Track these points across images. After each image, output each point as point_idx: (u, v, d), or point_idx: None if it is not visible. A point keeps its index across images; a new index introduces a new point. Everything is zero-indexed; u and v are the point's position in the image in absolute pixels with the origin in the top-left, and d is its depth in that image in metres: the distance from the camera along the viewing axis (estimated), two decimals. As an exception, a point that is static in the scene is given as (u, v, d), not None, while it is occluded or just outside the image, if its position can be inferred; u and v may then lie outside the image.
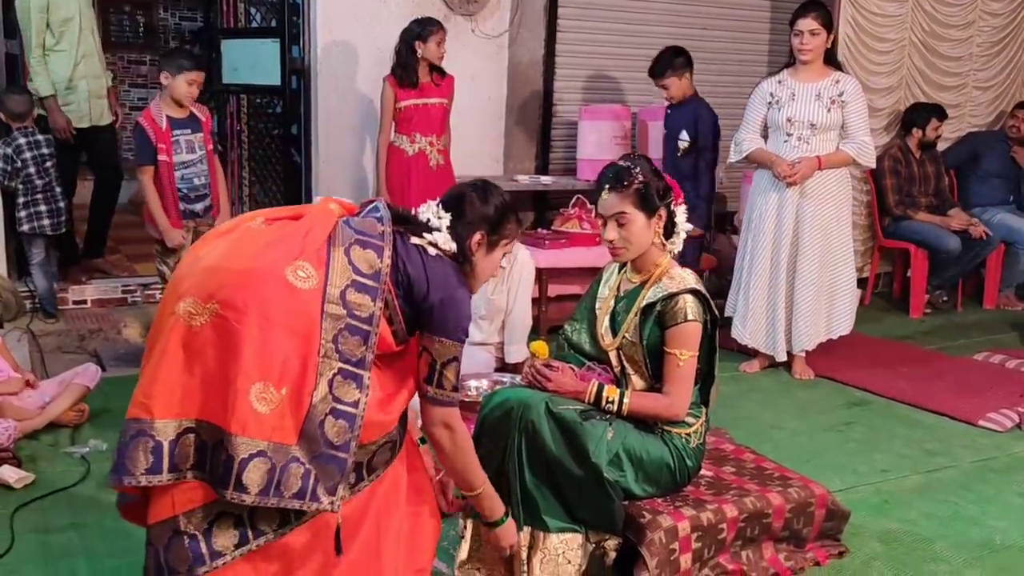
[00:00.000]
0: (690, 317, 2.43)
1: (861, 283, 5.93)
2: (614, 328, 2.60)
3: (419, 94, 4.72)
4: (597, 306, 2.68)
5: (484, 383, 3.82)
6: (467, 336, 2.10)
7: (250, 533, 1.87)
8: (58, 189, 4.64)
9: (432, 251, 2.07)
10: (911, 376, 4.46)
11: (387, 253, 1.99)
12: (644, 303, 2.50)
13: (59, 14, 4.78)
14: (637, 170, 2.48)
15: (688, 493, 2.55)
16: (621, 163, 2.54)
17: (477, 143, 5.51)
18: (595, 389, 2.48)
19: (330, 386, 1.88)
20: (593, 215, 5.09)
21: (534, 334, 4.44)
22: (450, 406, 2.09)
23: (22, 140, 4.51)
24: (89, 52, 4.95)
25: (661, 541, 2.34)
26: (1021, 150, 6.32)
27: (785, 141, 4.35)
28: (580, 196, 5.28)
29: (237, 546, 1.86)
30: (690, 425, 2.53)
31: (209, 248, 1.96)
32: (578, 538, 2.40)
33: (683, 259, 2.83)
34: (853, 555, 2.71)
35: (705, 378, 2.59)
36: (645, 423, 2.50)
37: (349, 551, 1.96)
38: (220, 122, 6.42)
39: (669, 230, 2.58)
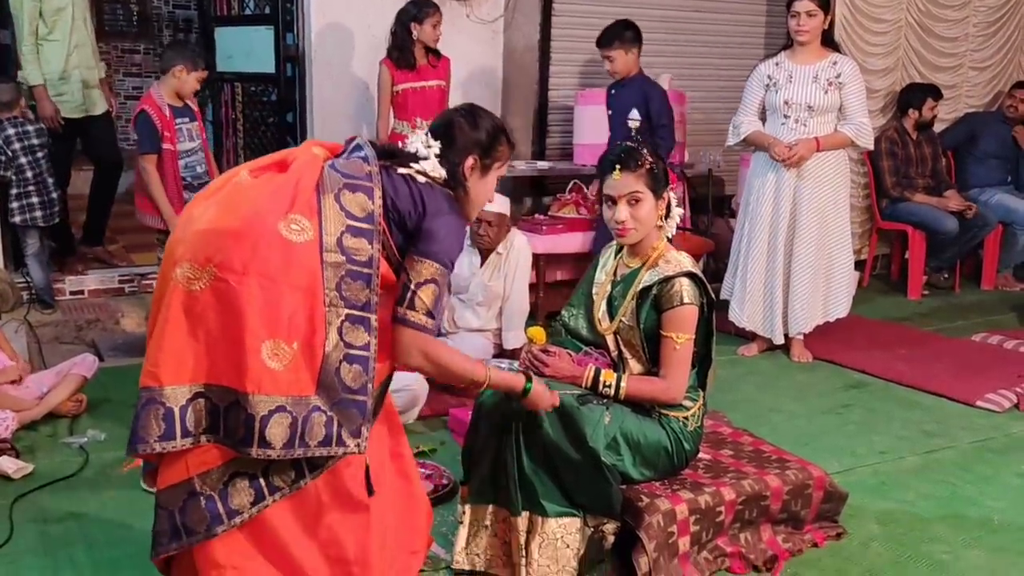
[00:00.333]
0: (686, 300, 2.43)
1: (859, 265, 5.93)
2: (611, 312, 2.59)
3: (416, 76, 4.71)
4: (594, 291, 2.68)
5: (482, 369, 3.83)
6: (453, 265, 2.05)
7: (266, 490, 1.89)
8: (50, 180, 4.61)
9: (421, 179, 2.05)
10: (909, 358, 4.46)
11: (377, 194, 1.98)
12: (641, 287, 2.50)
13: (52, 3, 4.75)
14: (644, 150, 2.49)
15: (686, 476, 2.55)
16: (629, 144, 2.54)
17: (473, 129, 5.48)
18: (592, 374, 2.48)
19: (340, 333, 1.90)
20: (594, 195, 5.11)
21: (532, 320, 4.44)
22: (422, 331, 2.01)
23: (11, 131, 4.49)
24: (82, 42, 4.93)
25: (659, 524, 2.35)
26: (1021, 129, 6.31)
27: (783, 124, 4.34)
28: (577, 181, 5.27)
29: (254, 503, 1.89)
30: (687, 408, 2.53)
31: (201, 209, 1.95)
32: (576, 522, 2.41)
33: None
34: (851, 536, 2.71)
35: (702, 361, 2.59)
36: (642, 407, 2.51)
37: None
38: (215, 111, 6.39)
39: (665, 214, 2.59)
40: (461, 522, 2.48)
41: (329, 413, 1.88)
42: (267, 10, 5.75)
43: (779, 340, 4.47)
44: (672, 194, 2.59)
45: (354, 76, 5.22)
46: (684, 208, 5.58)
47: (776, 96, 4.33)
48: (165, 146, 4.06)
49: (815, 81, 4.26)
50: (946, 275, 6.08)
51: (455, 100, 4.96)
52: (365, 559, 2.00)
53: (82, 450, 3.23)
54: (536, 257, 4.51)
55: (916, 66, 6.39)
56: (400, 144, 2.16)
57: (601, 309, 2.62)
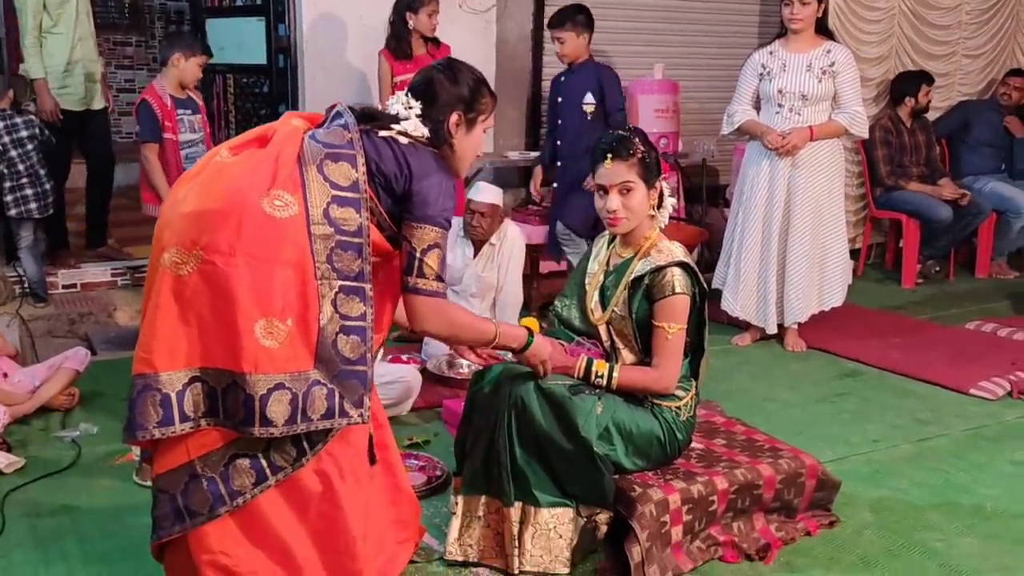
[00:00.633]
0: (678, 290, 2.42)
1: (853, 254, 5.92)
2: (604, 302, 2.59)
3: (415, 66, 4.68)
4: (587, 281, 2.68)
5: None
6: (450, 223, 2.05)
7: (268, 470, 1.90)
8: (42, 172, 4.60)
9: (403, 140, 2.04)
10: (903, 346, 4.46)
11: (360, 161, 1.97)
12: (633, 276, 2.49)
13: None
14: (637, 140, 2.48)
15: (679, 466, 2.55)
16: (621, 133, 2.53)
17: (466, 120, 5.46)
18: (584, 364, 2.47)
19: (335, 306, 1.90)
20: (590, 187, 5.07)
21: (526, 311, 4.43)
22: (434, 296, 2.03)
23: None
24: (85, 35, 4.93)
25: (652, 514, 2.34)
26: (1013, 118, 6.30)
27: (777, 112, 4.32)
28: (570, 172, 5.25)
29: (256, 484, 1.89)
30: (680, 398, 2.53)
31: (183, 192, 1.95)
32: (569, 513, 2.41)
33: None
34: (844, 524, 2.72)
35: (695, 351, 2.59)
36: (635, 397, 2.50)
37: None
38: (207, 102, 6.35)
39: (658, 204, 2.59)
40: (454, 513, 2.48)
41: (330, 386, 1.88)
42: (258, 1, 5.71)
43: (772, 330, 4.46)
44: (665, 184, 2.59)
45: (346, 67, 5.19)
46: (678, 198, 5.57)
47: (770, 85, 4.31)
48: (166, 135, 4.10)
49: (809, 70, 4.24)
50: (938, 268, 6.08)
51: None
52: (352, 549, 2.00)
53: (74, 444, 3.22)
54: (530, 248, 4.51)
55: (909, 54, 6.38)
56: (381, 106, 2.13)
57: (594, 299, 2.61)
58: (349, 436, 1.99)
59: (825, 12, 4.38)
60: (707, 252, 5.84)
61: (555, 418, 2.35)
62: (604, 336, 2.57)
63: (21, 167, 4.50)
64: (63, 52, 4.80)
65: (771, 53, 4.34)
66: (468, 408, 2.49)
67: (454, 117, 2.09)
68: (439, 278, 2.03)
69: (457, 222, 4.12)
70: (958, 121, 6.38)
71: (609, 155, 2.46)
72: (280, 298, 1.84)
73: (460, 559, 2.45)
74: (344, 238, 1.91)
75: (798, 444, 2.83)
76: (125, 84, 8.65)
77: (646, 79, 5.70)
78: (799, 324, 4.47)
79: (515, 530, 2.38)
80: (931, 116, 6.27)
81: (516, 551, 2.38)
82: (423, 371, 3.79)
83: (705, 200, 5.91)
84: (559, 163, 4.75)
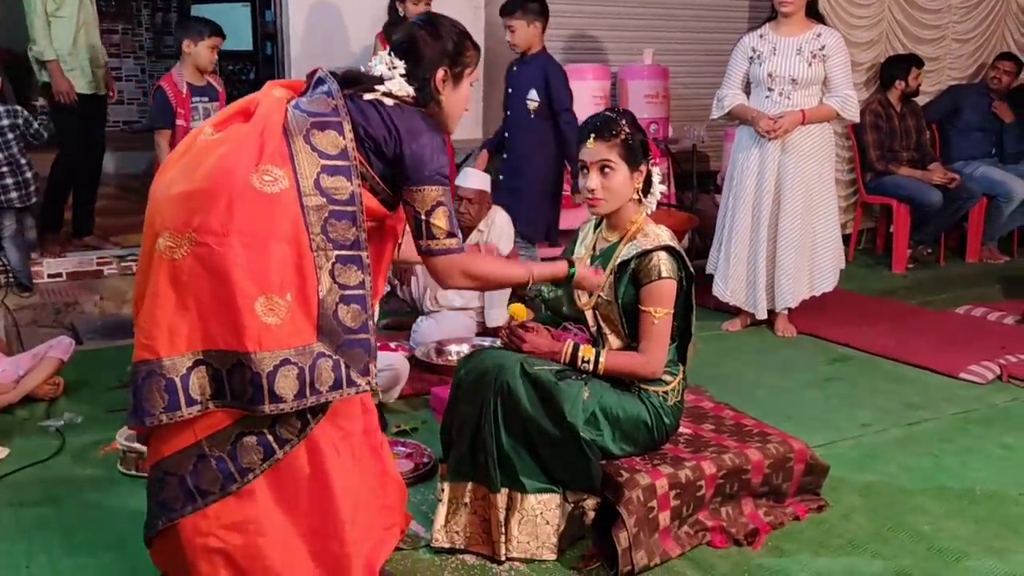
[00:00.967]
0: (664, 274, 2.41)
1: (844, 239, 5.91)
2: (590, 287, 2.57)
3: None
4: (573, 266, 2.65)
5: (465, 347, 3.81)
6: (447, 179, 2.03)
7: (275, 444, 1.90)
8: (23, 160, 4.56)
9: (389, 101, 2.01)
10: (893, 331, 4.46)
11: (347, 128, 1.95)
12: (619, 261, 2.47)
13: None
14: (623, 122, 2.47)
15: (666, 451, 2.54)
16: (607, 113, 2.53)
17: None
18: (570, 349, 2.46)
19: (332, 276, 1.89)
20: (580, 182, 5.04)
21: (515, 298, 4.41)
22: (448, 254, 2.04)
23: None
24: (89, 21, 4.92)
25: (639, 499, 2.33)
26: (1001, 104, 6.29)
27: (767, 96, 4.30)
28: (559, 157, 5.22)
29: (264, 459, 1.90)
30: (667, 383, 2.51)
31: (171, 175, 1.93)
32: (556, 498, 2.39)
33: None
34: (833, 509, 2.71)
35: (682, 336, 2.57)
36: (622, 382, 2.49)
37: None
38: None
39: (645, 189, 2.57)
40: (440, 500, 2.46)
41: (335, 357, 1.88)
42: (244, -13, 5.68)
43: (762, 315, 4.45)
44: (655, 170, 2.57)
45: (333, 53, 5.14)
46: (669, 184, 5.55)
47: (760, 69, 4.29)
48: (179, 123, 4.13)
49: (799, 53, 4.22)
50: (928, 252, 6.08)
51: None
52: (341, 533, 1.99)
53: (59, 433, 3.19)
54: (519, 234, 4.47)
55: (900, 38, 6.36)
56: (362, 68, 2.10)
57: (580, 284, 2.59)
58: (339, 419, 1.99)
59: (816, -5, 4.35)
60: (698, 238, 5.83)
61: (541, 403, 2.33)
62: (591, 321, 2.55)
63: (1, 155, 4.46)
64: (67, 36, 4.79)
65: (761, 37, 4.31)
66: (454, 394, 2.47)
67: (440, 73, 2.06)
68: (451, 234, 2.03)
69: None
70: (948, 106, 6.37)
71: (592, 134, 2.46)
72: (277, 274, 1.84)
73: (447, 546, 2.44)
74: (337, 207, 1.90)
75: (787, 429, 2.82)
76: (113, 73, 8.58)
77: (636, 65, 5.68)
78: (789, 309, 4.46)
79: (501, 517, 2.37)
80: (921, 101, 6.26)
81: (503, 538, 2.36)
82: (412, 359, 3.77)
83: (695, 186, 5.89)
84: (505, 155, 4.65)
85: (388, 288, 4.21)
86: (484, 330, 4.14)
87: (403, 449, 2.98)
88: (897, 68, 5.98)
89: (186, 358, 1.85)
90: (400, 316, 4.41)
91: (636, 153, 2.46)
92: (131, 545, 2.45)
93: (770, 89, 4.28)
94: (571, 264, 2.29)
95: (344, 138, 1.93)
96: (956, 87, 6.58)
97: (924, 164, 5.96)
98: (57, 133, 4.86)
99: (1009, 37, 6.97)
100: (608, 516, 2.39)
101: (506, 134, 4.66)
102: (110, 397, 3.54)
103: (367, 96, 2.01)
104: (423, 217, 2.00)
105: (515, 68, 4.64)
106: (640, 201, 2.54)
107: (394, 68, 2.04)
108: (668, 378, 2.51)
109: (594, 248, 2.62)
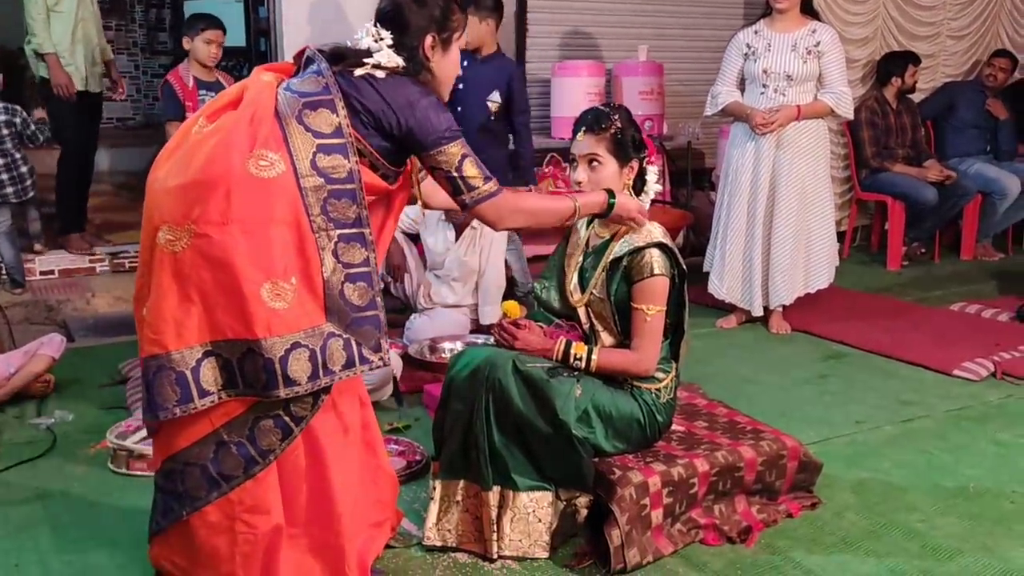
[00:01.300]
0: (656, 271, 2.40)
1: (839, 236, 5.91)
2: (583, 284, 2.56)
3: None
4: (566, 262, 2.64)
5: (458, 345, 3.80)
6: (459, 130, 2.03)
7: (291, 423, 1.91)
8: (17, 155, 4.55)
9: (380, 74, 2.00)
10: (888, 328, 4.45)
11: (339, 105, 1.94)
12: (611, 257, 2.46)
13: None
14: (616, 116, 2.47)
15: (659, 448, 2.53)
16: (601, 107, 2.53)
17: (449, 102, 5.41)
18: (562, 346, 2.45)
19: (336, 256, 1.90)
20: (568, 173, 5.05)
21: (511, 295, 4.40)
22: (495, 196, 2.05)
23: None
24: (87, 17, 4.91)
25: (631, 497, 2.32)
26: (996, 101, 6.29)
27: (762, 93, 4.29)
28: (554, 155, 5.22)
29: (283, 439, 1.92)
30: (660, 380, 2.50)
31: (167, 168, 1.92)
32: (548, 496, 2.38)
33: None
34: (826, 506, 2.70)
35: (675, 333, 2.56)
36: (615, 379, 2.48)
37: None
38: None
39: (639, 186, 2.56)
40: (432, 498, 2.45)
41: (345, 336, 1.90)
42: (238, -17, 5.66)
43: (758, 312, 4.45)
44: (652, 168, 2.56)
45: (327, 49, 5.13)
46: (664, 181, 5.55)
47: (755, 65, 4.28)
48: (188, 115, 4.14)
49: (794, 50, 4.21)
50: (923, 249, 6.08)
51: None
52: (338, 526, 1.99)
53: (49, 431, 3.17)
54: (513, 231, 4.46)
55: (895, 35, 6.36)
56: (348, 43, 2.08)
57: (573, 281, 2.58)
58: (340, 407, 2.00)
59: (811, -9, 4.34)
60: (693, 235, 5.82)
61: (533, 401, 2.32)
62: (583, 318, 2.54)
63: None
64: (65, 31, 4.78)
65: (756, 33, 4.30)
66: (446, 392, 2.45)
67: (428, 40, 2.05)
68: (487, 179, 2.04)
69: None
70: (943, 103, 6.37)
71: (583, 127, 2.46)
72: (280, 258, 1.84)
73: (439, 544, 2.42)
74: (336, 186, 1.90)
75: (781, 426, 2.81)
76: (119, 70, 8.56)
77: (630, 61, 5.67)
78: (784, 306, 4.46)
79: (493, 514, 2.35)
80: (916, 98, 6.26)
81: (495, 536, 2.35)
82: (405, 356, 3.76)
83: (690, 183, 5.88)
84: None
85: (382, 285, 4.19)
86: (478, 327, 4.13)
87: (396, 447, 2.97)
88: (894, 65, 5.98)
89: (195, 350, 1.85)
90: (393, 313, 4.39)
91: (626, 148, 2.45)
92: (121, 543, 2.44)
93: (765, 85, 4.27)
94: (611, 194, 2.30)
95: (337, 116, 1.93)
96: (951, 84, 6.58)
97: (919, 161, 5.96)
98: (57, 131, 4.85)
99: (1003, 34, 6.96)
100: (601, 514, 2.38)
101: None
102: (101, 395, 3.52)
103: (358, 72, 1.99)
104: (455, 174, 2.01)
105: (465, 63, 4.57)
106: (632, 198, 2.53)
107: (380, 39, 2.02)
108: (661, 375, 2.50)
109: (587, 244, 2.61)
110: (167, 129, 4.24)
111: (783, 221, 4.32)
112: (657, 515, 2.39)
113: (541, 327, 2.52)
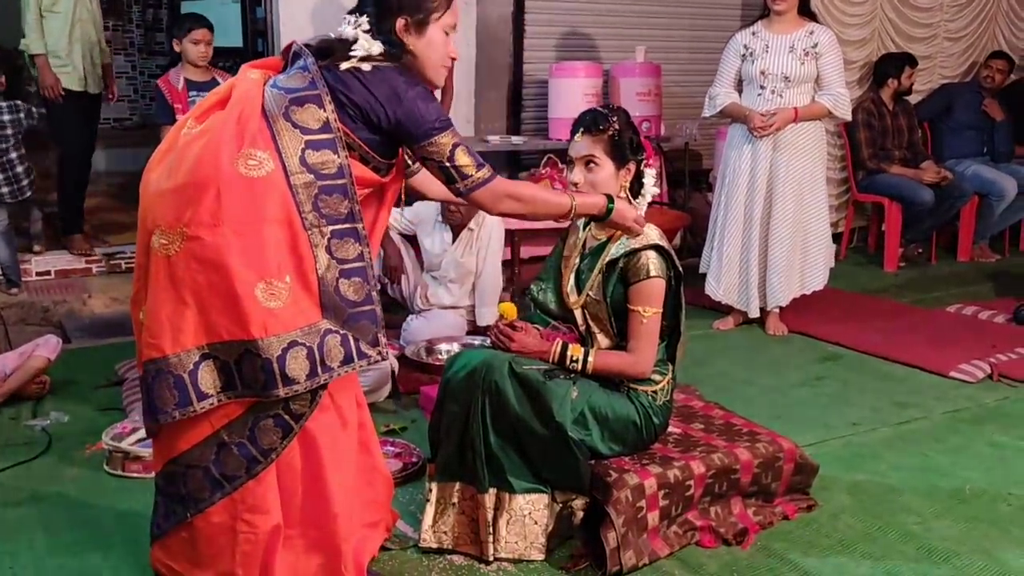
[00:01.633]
0: (653, 273, 2.39)
1: (836, 238, 5.92)
2: (579, 286, 2.56)
3: None
4: (562, 264, 2.64)
5: (455, 346, 3.79)
6: (448, 120, 2.02)
7: (291, 421, 1.91)
8: (14, 155, 4.56)
9: (366, 67, 1.98)
10: (884, 329, 4.45)
11: (326, 100, 1.93)
12: (607, 259, 2.46)
13: None
14: (614, 118, 2.47)
15: (655, 451, 2.52)
16: (599, 109, 2.52)
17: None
18: (559, 348, 2.44)
19: (329, 252, 1.89)
20: (564, 174, 5.05)
21: (508, 296, 4.40)
22: (489, 183, 2.04)
23: None
24: (85, 18, 4.90)
25: (628, 499, 2.32)
26: (992, 102, 6.29)
27: (759, 94, 4.29)
28: (552, 156, 5.21)
29: (283, 438, 1.92)
30: (656, 382, 2.50)
31: (158, 172, 1.92)
32: (544, 498, 2.38)
33: None
34: (822, 508, 2.70)
35: (671, 335, 2.56)
36: (611, 381, 2.47)
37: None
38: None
39: (636, 189, 2.56)
40: (428, 500, 2.45)
41: (342, 332, 1.89)
42: (235, -17, 5.65)
43: (754, 313, 4.45)
44: (649, 171, 2.56)
45: (324, 50, 5.12)
46: (661, 182, 5.55)
47: (752, 66, 4.28)
48: (178, 118, 4.15)
49: (791, 51, 4.21)
50: (920, 251, 6.08)
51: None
52: (334, 526, 1.99)
53: (44, 432, 3.16)
54: (510, 233, 4.46)
55: (892, 37, 6.36)
56: (332, 35, 2.07)
57: (569, 283, 2.58)
58: (338, 400, 1.99)
59: (808, -7, 4.34)
60: (690, 237, 5.82)
61: (529, 403, 2.32)
62: (580, 320, 2.54)
63: None
64: (61, 32, 4.78)
65: (754, 34, 4.30)
66: (442, 394, 2.45)
67: (400, 23, 2.02)
68: (479, 166, 2.04)
69: (435, 207, 4.08)
70: (940, 104, 6.37)
71: (580, 128, 2.46)
72: (274, 257, 1.83)
73: (435, 546, 2.42)
74: (326, 182, 1.89)
75: (777, 428, 2.81)
76: (114, 71, 8.56)
77: (628, 62, 5.66)
78: (781, 308, 4.46)
79: (489, 516, 2.35)
80: (913, 99, 6.26)
81: (491, 538, 2.35)
82: (402, 358, 3.76)
83: (688, 184, 5.88)
84: None
85: (378, 286, 4.18)
86: (475, 329, 4.13)
87: (392, 449, 2.96)
88: (891, 66, 5.98)
89: (192, 353, 1.85)
90: (390, 314, 4.38)
91: (623, 150, 2.45)
92: (117, 546, 2.44)
93: (762, 87, 4.27)
94: (610, 199, 2.30)
95: (325, 111, 1.92)
96: (948, 86, 6.58)
97: (916, 163, 5.96)
98: (56, 132, 4.85)
99: (1000, 35, 6.97)
100: (597, 516, 2.38)
101: None
102: (97, 396, 3.52)
103: (344, 65, 1.98)
104: (447, 163, 2.00)
105: None
106: (629, 200, 2.53)
107: (358, 27, 2.01)
108: (657, 377, 2.50)
109: (583, 247, 2.61)
110: (160, 134, 4.24)
111: (780, 222, 4.32)
112: (653, 517, 2.38)
113: (538, 329, 2.52)
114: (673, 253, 2.47)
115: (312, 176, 1.88)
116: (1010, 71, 6.37)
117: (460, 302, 4.16)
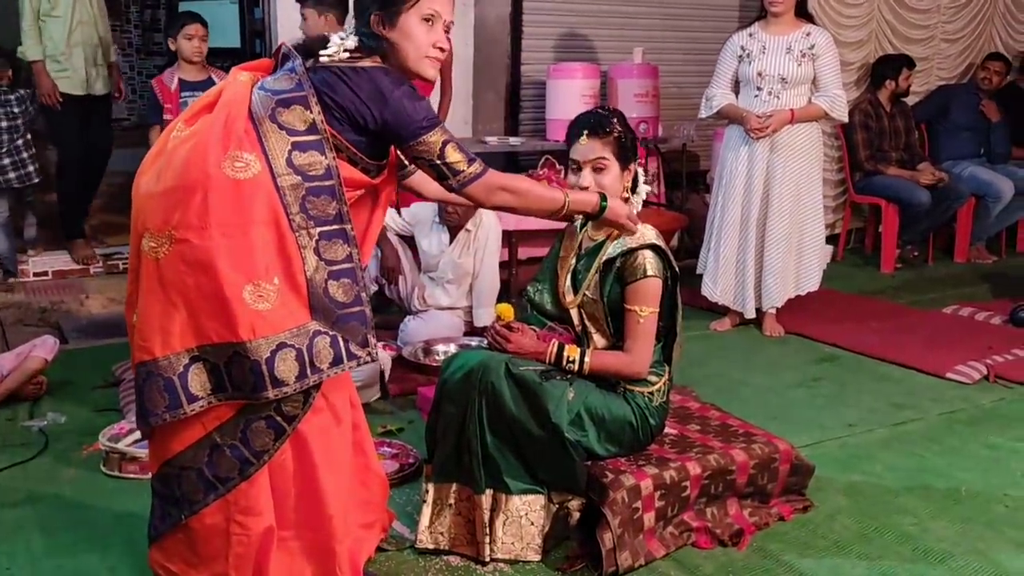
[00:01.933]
0: (649, 273, 2.40)
1: (833, 239, 5.93)
2: (575, 286, 2.56)
3: None
4: (559, 265, 2.65)
5: (452, 347, 3.79)
6: (436, 117, 2.01)
7: (283, 423, 1.91)
8: (20, 142, 4.60)
9: (351, 68, 1.97)
10: (881, 330, 4.46)
11: (313, 101, 1.92)
12: (604, 259, 2.47)
13: None
14: (615, 120, 2.47)
15: (651, 452, 2.53)
16: (599, 111, 2.52)
17: (444, 104, 5.41)
18: (555, 349, 2.45)
19: (318, 254, 1.89)
20: (563, 176, 5.05)
21: (506, 297, 4.40)
22: (481, 177, 2.03)
23: None
24: (86, 19, 4.88)
25: (624, 500, 2.32)
26: (989, 103, 6.31)
27: (756, 96, 4.30)
28: (549, 157, 5.21)
29: (276, 439, 1.92)
30: (653, 383, 2.50)
31: (149, 175, 1.93)
32: (540, 499, 2.38)
33: None
34: (818, 509, 2.71)
35: (667, 335, 2.56)
36: (607, 382, 2.48)
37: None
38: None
39: (631, 188, 2.57)
40: (425, 501, 2.45)
41: (331, 333, 1.89)
42: (232, -16, 5.65)
43: (751, 314, 4.45)
44: (640, 169, 2.57)
45: (321, 51, 5.12)
46: (659, 183, 5.55)
47: (749, 68, 4.29)
48: (166, 117, 4.20)
49: (788, 52, 4.22)
50: (916, 253, 6.09)
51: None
52: (329, 526, 2.00)
53: (41, 433, 3.17)
54: (508, 234, 4.47)
55: (889, 38, 6.37)
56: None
57: (566, 283, 2.59)
58: (331, 399, 1.99)
59: (806, -5, 4.35)
60: (687, 238, 5.83)
61: (526, 404, 2.32)
62: (576, 320, 2.54)
63: (4, 137, 4.52)
64: (60, 35, 4.78)
65: (751, 35, 4.31)
66: (438, 395, 2.46)
67: (373, 18, 2.01)
68: (470, 161, 2.02)
69: (433, 209, 4.08)
70: (937, 106, 6.39)
71: (585, 131, 2.45)
72: (262, 259, 1.83)
73: (431, 547, 2.43)
74: (314, 184, 1.89)
75: (773, 429, 2.81)
76: (121, 72, 8.56)
77: (625, 63, 5.66)
78: (777, 309, 4.46)
79: (486, 517, 2.35)
80: (910, 101, 6.27)
81: (487, 539, 2.35)
82: (399, 358, 3.76)
83: (685, 185, 5.89)
84: None
85: (376, 287, 4.19)
86: (472, 330, 4.13)
87: (388, 450, 2.97)
88: (888, 68, 5.99)
89: (182, 356, 1.85)
90: (387, 315, 4.39)
91: (628, 151, 2.46)
92: (113, 546, 2.44)
93: (759, 88, 4.28)
94: (603, 198, 2.29)
95: (311, 112, 1.91)
96: (945, 87, 6.60)
97: (913, 164, 5.97)
98: (55, 136, 4.85)
99: (997, 37, 6.99)
100: (593, 517, 2.38)
101: None
102: (94, 397, 3.52)
103: (323, 59, 1.98)
104: (437, 161, 1.99)
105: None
106: (628, 200, 2.54)
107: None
108: (654, 378, 2.50)
109: (580, 246, 2.61)
110: (150, 134, 4.29)
111: (776, 223, 4.33)
112: (649, 518, 2.39)
113: (534, 330, 2.52)
114: (670, 253, 2.48)
115: (299, 178, 1.88)
116: (1007, 73, 6.38)
117: (457, 303, 4.16)
